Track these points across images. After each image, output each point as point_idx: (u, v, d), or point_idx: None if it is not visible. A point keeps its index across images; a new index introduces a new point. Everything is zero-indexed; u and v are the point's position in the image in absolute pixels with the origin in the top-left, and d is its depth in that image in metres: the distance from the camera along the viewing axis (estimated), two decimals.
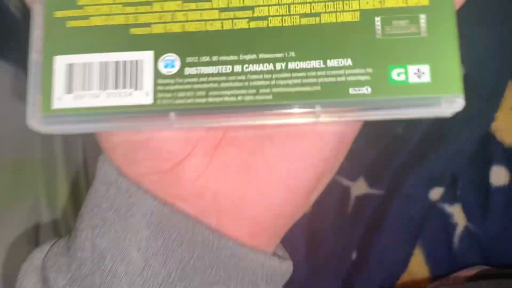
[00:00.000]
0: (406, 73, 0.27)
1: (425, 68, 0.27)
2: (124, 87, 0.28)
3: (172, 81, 0.28)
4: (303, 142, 0.26)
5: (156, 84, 0.26)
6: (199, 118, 0.26)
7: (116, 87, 0.28)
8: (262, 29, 0.28)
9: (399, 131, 0.41)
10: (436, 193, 0.40)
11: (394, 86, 0.27)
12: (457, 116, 0.26)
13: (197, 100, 0.26)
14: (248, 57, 0.28)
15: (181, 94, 0.28)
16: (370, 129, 0.36)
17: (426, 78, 0.27)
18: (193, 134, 0.26)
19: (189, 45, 0.29)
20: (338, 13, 0.28)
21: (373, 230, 0.40)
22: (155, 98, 0.28)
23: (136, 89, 0.28)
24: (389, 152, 0.42)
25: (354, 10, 0.28)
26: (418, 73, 0.27)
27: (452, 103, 0.27)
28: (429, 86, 0.27)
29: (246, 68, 0.28)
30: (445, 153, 0.39)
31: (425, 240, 0.40)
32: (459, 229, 0.39)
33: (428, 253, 0.39)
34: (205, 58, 0.28)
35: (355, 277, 0.40)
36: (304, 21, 0.28)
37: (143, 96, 0.28)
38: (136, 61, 0.28)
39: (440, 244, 0.39)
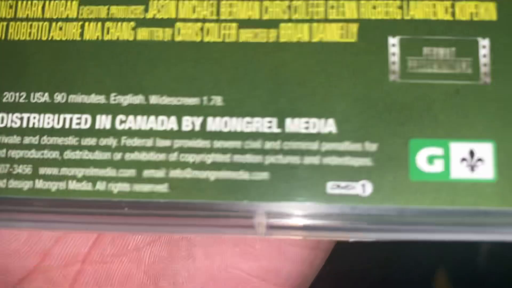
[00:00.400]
0: (446, 157, 0.13)
1: (486, 150, 0.13)
2: None
3: None
4: (242, 262, 0.17)
5: None
6: (15, 216, 0.12)
7: None
8: (163, 45, 0.14)
9: None
10: None
11: (419, 184, 0.13)
12: None
13: (13, 183, 0.11)
14: (128, 99, 0.14)
15: None
16: None
17: (486, 171, 0.13)
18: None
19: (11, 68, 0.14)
20: (313, 24, 0.14)
21: (394, 248, 0.35)
22: None
23: None
24: None
25: (347, 20, 0.14)
26: (470, 160, 0.13)
27: None
28: (492, 189, 0.13)
29: (121, 122, 0.14)
30: None
31: (449, 259, 0.37)
32: (484, 248, 0.36)
33: (451, 273, 0.37)
34: (39, 96, 0.14)
35: None
36: (247, 35, 0.14)
37: None
38: None
39: (464, 263, 0.37)
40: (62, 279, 0.17)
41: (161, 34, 0.14)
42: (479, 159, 0.13)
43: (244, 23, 0.14)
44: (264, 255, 0.17)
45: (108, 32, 0.14)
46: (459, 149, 0.13)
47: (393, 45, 0.14)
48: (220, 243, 0.17)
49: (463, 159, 0.13)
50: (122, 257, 0.17)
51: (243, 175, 0.13)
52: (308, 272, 0.18)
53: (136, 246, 0.17)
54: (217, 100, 0.14)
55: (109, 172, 0.14)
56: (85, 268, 0.17)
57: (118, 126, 0.14)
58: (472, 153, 0.13)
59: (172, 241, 0.17)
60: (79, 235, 0.17)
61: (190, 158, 0.14)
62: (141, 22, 0.14)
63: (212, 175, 0.14)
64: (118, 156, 0.14)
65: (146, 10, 0.14)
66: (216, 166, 0.14)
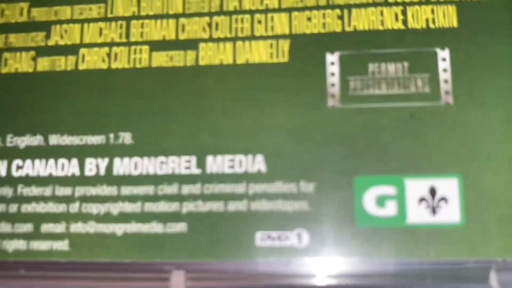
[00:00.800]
0: (400, 197, 0.11)
1: (450, 187, 0.11)
2: None
3: None
4: None
5: None
6: None
7: None
8: (66, 75, 0.12)
9: None
10: None
11: (367, 231, 0.11)
12: None
13: None
14: (25, 140, 0.12)
15: None
16: None
17: (451, 213, 0.10)
18: None
19: None
20: (238, 42, 0.12)
21: None
22: None
23: None
24: None
25: (277, 37, 0.12)
26: (431, 200, 0.11)
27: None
28: (459, 235, 0.10)
29: (17, 168, 0.12)
30: None
31: None
32: None
33: None
34: None
35: None
36: (161, 59, 0.12)
37: None
38: None
39: None
40: None
41: (64, 63, 0.12)
42: (442, 199, 0.11)
43: (158, 45, 0.12)
44: None
45: (6, 64, 0.13)
46: (416, 186, 0.11)
47: (332, 63, 0.11)
48: None
49: (422, 199, 0.11)
50: None
51: (156, 227, 0.11)
52: None
53: None
54: (126, 138, 0.12)
55: (4, 227, 0.12)
56: None
57: (15, 173, 0.12)
58: (433, 191, 0.11)
59: None
60: None
61: (94, 208, 0.11)
62: (42, 51, 0.12)
63: (120, 228, 0.11)
64: (14, 208, 0.12)
65: (47, 36, 0.13)
66: (124, 217, 0.11)
